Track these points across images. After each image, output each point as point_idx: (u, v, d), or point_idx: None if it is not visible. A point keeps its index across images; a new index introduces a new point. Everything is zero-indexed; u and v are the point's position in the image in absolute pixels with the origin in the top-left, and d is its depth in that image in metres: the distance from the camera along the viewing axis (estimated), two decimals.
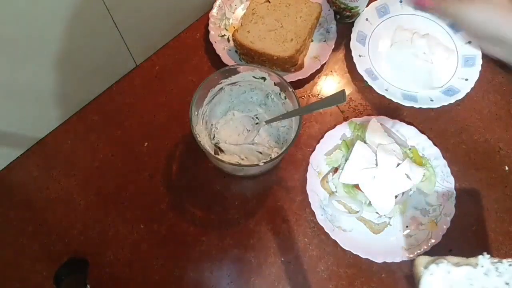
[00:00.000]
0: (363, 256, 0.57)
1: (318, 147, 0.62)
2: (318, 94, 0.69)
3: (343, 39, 0.72)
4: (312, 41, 0.70)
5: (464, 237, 0.60)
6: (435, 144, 0.62)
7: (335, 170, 0.61)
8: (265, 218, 0.60)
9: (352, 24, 0.70)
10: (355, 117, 0.66)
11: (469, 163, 0.64)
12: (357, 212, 0.59)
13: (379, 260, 0.56)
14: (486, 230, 0.60)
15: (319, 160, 0.62)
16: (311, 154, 0.62)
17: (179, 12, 0.68)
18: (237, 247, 0.59)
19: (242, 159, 0.59)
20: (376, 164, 0.58)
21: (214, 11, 0.70)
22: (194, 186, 0.62)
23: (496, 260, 0.46)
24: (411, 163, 0.59)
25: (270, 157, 0.58)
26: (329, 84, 0.70)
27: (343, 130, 0.64)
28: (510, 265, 0.45)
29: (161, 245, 0.59)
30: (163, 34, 0.70)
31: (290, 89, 0.53)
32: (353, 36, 0.69)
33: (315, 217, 0.58)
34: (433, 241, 0.58)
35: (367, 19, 0.71)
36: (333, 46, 0.68)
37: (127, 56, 0.66)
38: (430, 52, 0.69)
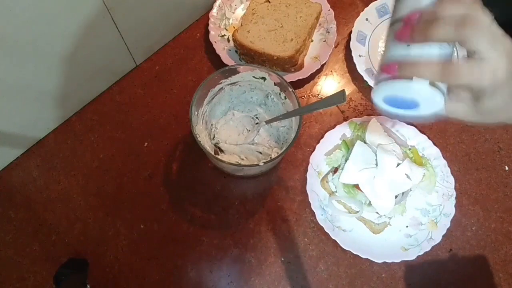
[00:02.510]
0: (363, 256, 0.57)
1: (318, 147, 0.62)
2: (318, 94, 0.69)
3: (343, 39, 0.72)
4: (312, 41, 0.70)
5: (464, 237, 0.60)
6: (435, 144, 0.62)
7: (335, 170, 0.61)
8: (265, 218, 0.60)
9: (352, 24, 0.70)
10: (355, 117, 0.66)
11: (469, 163, 0.64)
12: (357, 212, 0.59)
13: (379, 260, 0.56)
14: (486, 230, 0.60)
15: (319, 160, 0.62)
16: (311, 154, 0.62)
17: (179, 12, 0.68)
18: (237, 247, 0.59)
19: (242, 159, 0.59)
20: (376, 164, 0.58)
21: (214, 11, 0.70)
22: (194, 186, 0.62)
23: None
24: (411, 163, 0.59)
25: (270, 157, 0.58)
26: (329, 84, 0.70)
27: (343, 130, 0.64)
28: None
29: (161, 245, 0.59)
30: (163, 34, 0.70)
31: (290, 89, 0.53)
32: (353, 36, 0.69)
33: (315, 217, 0.58)
34: (433, 241, 0.58)
35: (367, 19, 0.71)
36: (333, 46, 0.68)
37: (127, 56, 0.66)
38: None
